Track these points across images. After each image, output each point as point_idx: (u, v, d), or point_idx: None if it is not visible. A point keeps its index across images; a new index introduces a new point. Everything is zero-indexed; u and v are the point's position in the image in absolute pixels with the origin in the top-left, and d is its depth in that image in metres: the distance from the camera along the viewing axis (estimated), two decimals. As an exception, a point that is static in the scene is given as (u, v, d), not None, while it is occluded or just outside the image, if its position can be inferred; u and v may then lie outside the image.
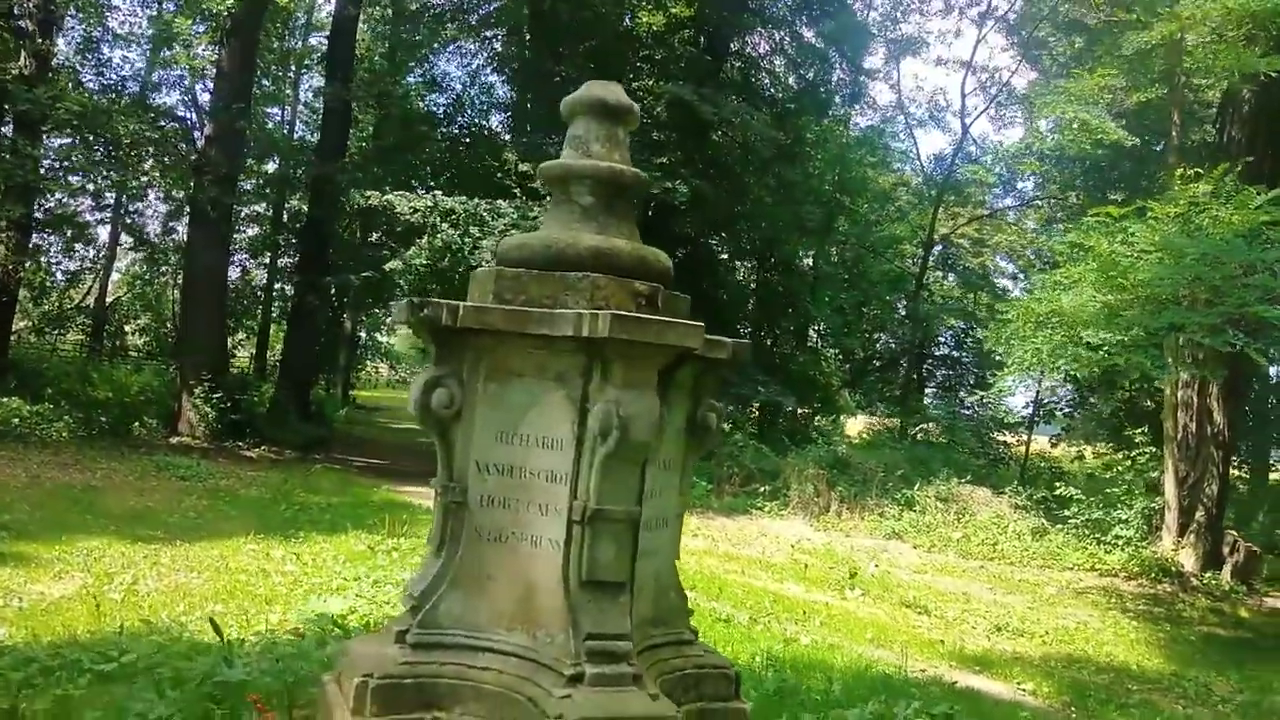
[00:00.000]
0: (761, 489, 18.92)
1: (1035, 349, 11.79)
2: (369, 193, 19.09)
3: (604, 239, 4.12)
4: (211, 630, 6.63)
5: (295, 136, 31.22)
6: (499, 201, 19.77)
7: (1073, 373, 11.79)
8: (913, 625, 10.24)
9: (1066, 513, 16.10)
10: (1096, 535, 15.31)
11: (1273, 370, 21.82)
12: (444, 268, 19.77)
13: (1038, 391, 23.57)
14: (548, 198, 18.12)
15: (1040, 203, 29.11)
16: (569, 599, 3.83)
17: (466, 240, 19.20)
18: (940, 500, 17.59)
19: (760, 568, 12.77)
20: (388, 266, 19.05)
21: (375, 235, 31.04)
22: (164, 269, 28.89)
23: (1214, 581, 13.79)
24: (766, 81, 27.30)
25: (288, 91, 32.01)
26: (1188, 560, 14.27)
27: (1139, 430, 15.62)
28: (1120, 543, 14.94)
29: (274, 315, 34.01)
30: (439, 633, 3.99)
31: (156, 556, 9.46)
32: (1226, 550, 14.46)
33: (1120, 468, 15.51)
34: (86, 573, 8.36)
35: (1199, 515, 14.42)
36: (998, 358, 13.71)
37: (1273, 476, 23.37)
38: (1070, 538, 15.62)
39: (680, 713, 3.84)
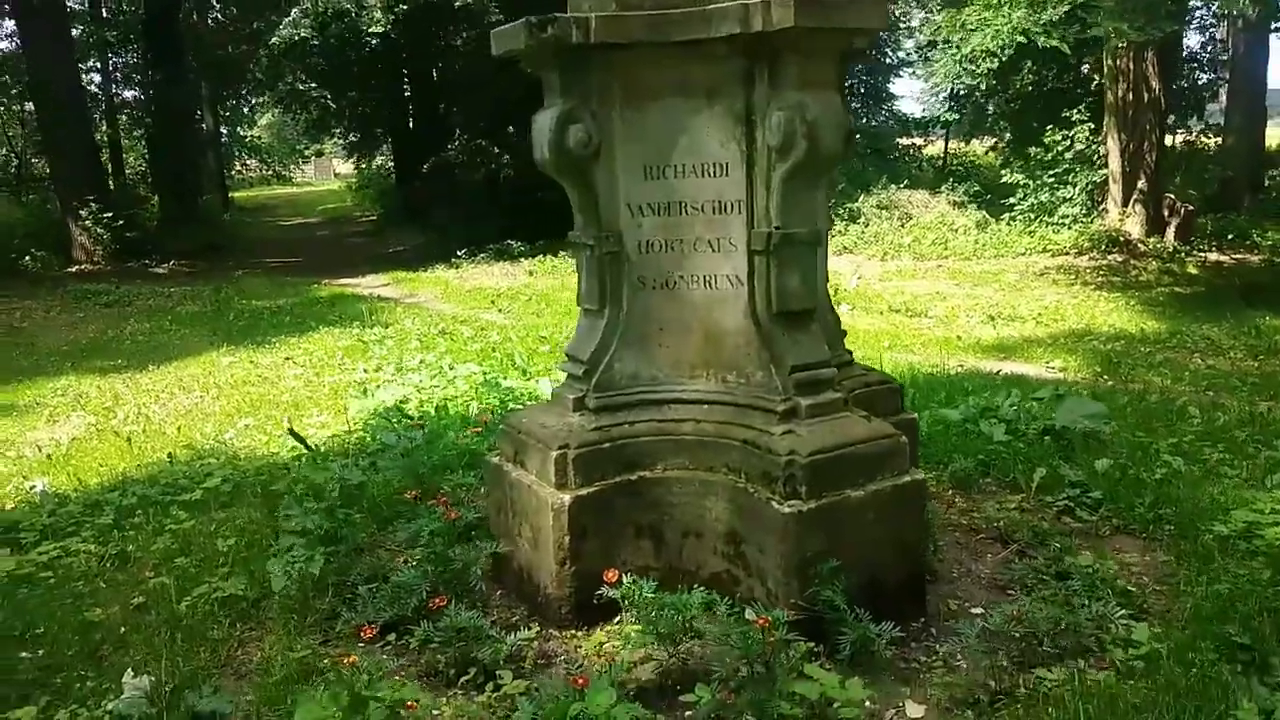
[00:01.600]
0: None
1: (995, 30, 11.43)
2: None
3: (736, -83, 3.48)
4: (261, 444, 6.24)
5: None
6: (376, -47, 17.71)
7: (1044, 43, 11.42)
8: (914, 329, 10.43)
9: (1011, 200, 16.37)
10: (1044, 218, 15.69)
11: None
12: (329, 38, 17.96)
13: (953, 88, 23.37)
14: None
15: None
16: (761, 335, 3.53)
17: (350, 3, 17.33)
18: (881, 208, 17.68)
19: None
20: (274, 39, 17.14)
21: (213, 18, 27.85)
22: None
23: (1159, 245, 14.40)
24: None
25: None
26: (1134, 228, 14.78)
27: (1074, 109, 15.67)
28: (1068, 221, 15.37)
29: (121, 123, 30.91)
30: (619, 394, 3.68)
31: (137, 384, 8.82)
32: (1166, 213, 15.03)
33: (1060, 147, 15.67)
34: (82, 411, 7.72)
35: (1140, 183, 14.82)
36: (950, 45, 13.25)
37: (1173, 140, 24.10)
38: (1016, 224, 15.98)
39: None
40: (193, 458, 6.02)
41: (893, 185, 18.44)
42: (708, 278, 3.61)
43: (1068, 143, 15.65)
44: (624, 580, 3.43)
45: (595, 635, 3.45)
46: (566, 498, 3.46)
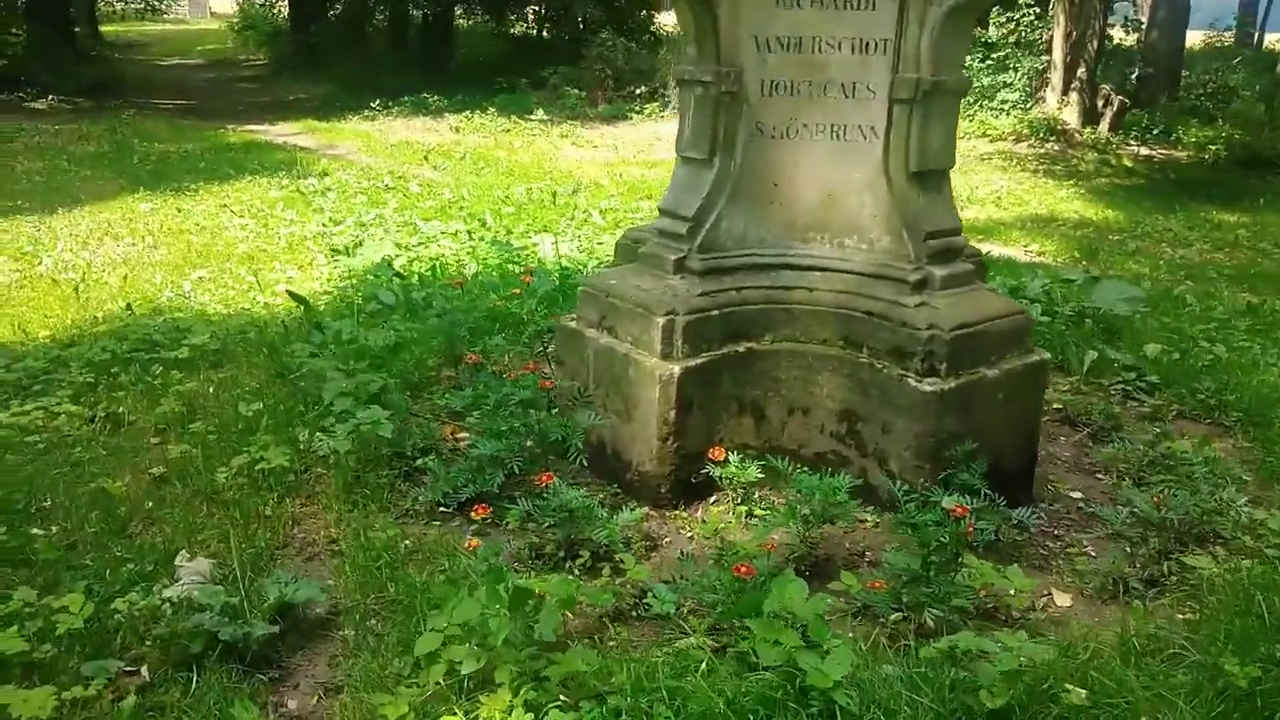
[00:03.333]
0: (637, 91, 17.96)
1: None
2: None
3: None
4: (228, 299, 5.66)
5: None
6: None
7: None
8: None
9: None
10: (983, 102, 15.57)
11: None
12: None
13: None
14: None
15: None
16: (894, 195, 3.20)
17: None
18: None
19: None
20: None
21: None
22: None
23: (1094, 135, 14.52)
24: None
25: None
26: (1071, 118, 14.85)
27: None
28: (1007, 107, 15.31)
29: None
30: (724, 256, 3.32)
31: (51, 228, 7.86)
32: (1101, 104, 15.13)
33: (1005, 30, 15.48)
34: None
35: (1080, 72, 14.82)
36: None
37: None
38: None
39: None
40: (152, 311, 5.37)
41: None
42: (837, 128, 3.23)
43: (1013, 25, 15.46)
44: (730, 459, 3.17)
45: (709, 515, 3.16)
46: (675, 369, 3.11)
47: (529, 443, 3.15)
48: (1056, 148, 14.30)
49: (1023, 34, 15.53)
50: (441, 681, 2.24)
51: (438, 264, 5.79)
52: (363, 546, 2.92)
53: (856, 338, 3.22)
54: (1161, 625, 2.58)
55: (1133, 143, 14.69)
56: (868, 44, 3.11)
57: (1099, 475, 3.72)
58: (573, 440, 3.11)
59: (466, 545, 2.59)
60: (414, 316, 4.70)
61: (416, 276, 5.51)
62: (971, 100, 15.84)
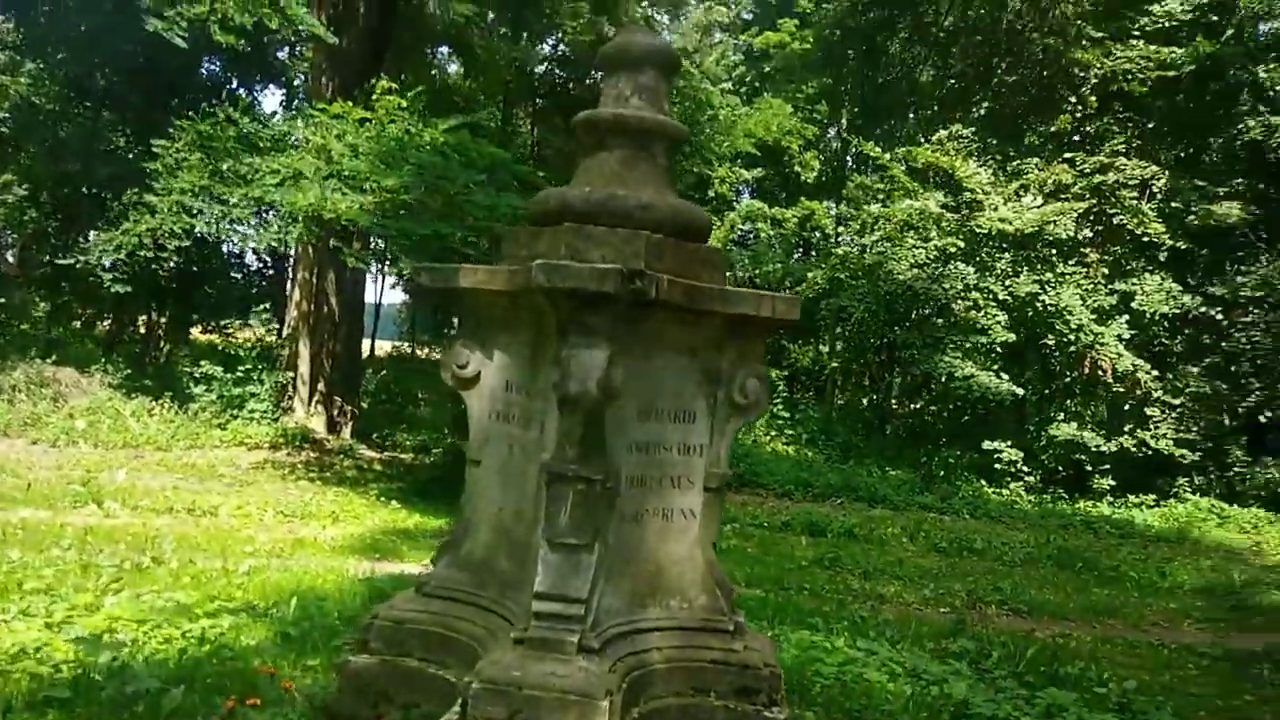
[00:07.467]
0: None
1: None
2: None
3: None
4: None
5: None
6: None
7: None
8: (230, 530, 9.71)
9: (198, 389, 16.05)
10: (233, 411, 15.81)
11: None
12: None
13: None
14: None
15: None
16: (707, 563, 4.05)
17: None
18: (37, 385, 15.50)
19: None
20: None
21: None
22: None
23: (339, 441, 15.90)
24: None
25: None
26: (318, 426, 16.01)
27: (261, 307, 16.41)
28: (257, 416, 15.80)
29: None
30: (605, 630, 3.72)
31: None
32: (336, 414, 16.68)
33: (248, 345, 16.18)
34: None
35: (321, 386, 16.25)
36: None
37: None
38: (205, 415, 15.75)
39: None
40: None
41: (39, 359, 16.27)
42: (667, 511, 3.96)
43: (257, 341, 16.37)
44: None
45: None
46: (625, 747, 3.36)
47: None
48: (313, 454, 15.34)
49: (263, 349, 16.53)
50: None
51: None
52: None
53: (704, 685, 3.86)
54: None
55: (377, 446, 16.58)
56: (690, 447, 3.99)
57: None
58: None
59: None
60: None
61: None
62: (221, 409, 16.05)
